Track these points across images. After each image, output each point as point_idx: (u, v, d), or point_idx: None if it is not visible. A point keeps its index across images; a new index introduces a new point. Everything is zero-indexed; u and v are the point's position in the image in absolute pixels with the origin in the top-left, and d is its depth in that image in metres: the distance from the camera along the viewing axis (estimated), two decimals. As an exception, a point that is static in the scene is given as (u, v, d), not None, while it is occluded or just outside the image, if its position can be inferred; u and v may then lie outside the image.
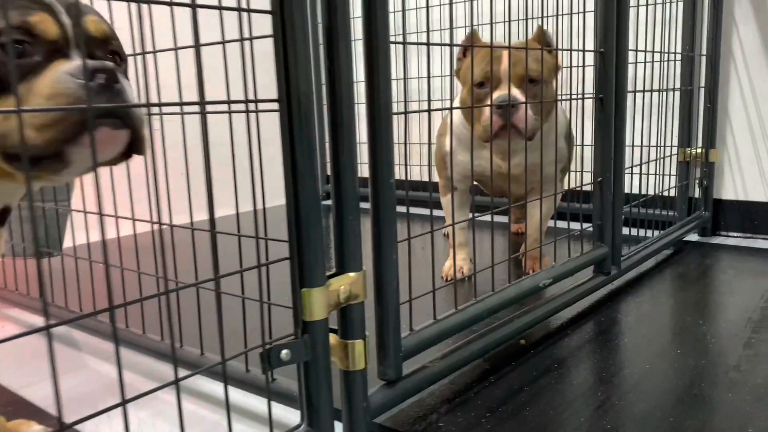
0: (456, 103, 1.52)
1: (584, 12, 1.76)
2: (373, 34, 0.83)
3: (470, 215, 1.19)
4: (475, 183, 1.70)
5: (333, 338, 0.84)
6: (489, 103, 1.31)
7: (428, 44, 0.94)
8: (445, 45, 1.02)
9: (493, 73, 1.34)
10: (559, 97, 1.45)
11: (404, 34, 1.01)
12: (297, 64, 0.72)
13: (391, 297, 0.90)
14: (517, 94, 1.31)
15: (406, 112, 0.91)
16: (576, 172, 2.07)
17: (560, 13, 1.98)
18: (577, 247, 1.40)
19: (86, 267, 1.30)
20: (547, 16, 1.82)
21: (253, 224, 0.82)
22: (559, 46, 1.62)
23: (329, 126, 0.80)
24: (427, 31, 0.98)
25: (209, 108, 0.63)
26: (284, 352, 0.76)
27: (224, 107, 0.72)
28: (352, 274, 0.82)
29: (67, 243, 1.51)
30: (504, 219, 2.12)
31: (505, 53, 1.33)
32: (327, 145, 0.83)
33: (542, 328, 1.28)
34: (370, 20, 0.83)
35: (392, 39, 0.85)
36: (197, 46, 0.62)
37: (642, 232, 1.76)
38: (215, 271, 0.68)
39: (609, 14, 1.35)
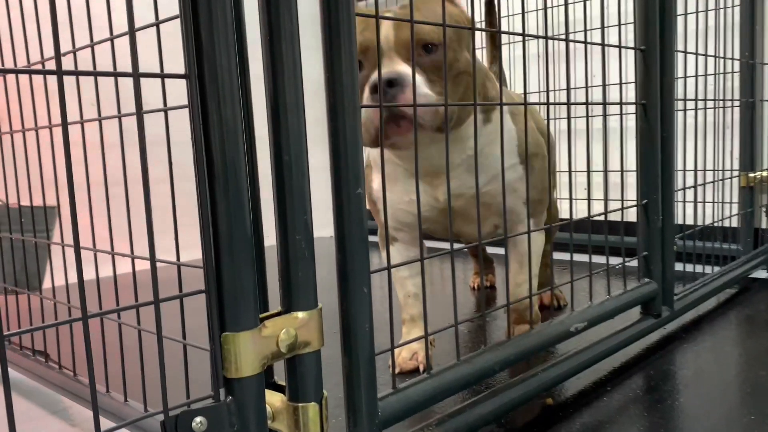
0: None
1: (619, 25, 1.55)
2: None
3: (420, 277, 0.99)
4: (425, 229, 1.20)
5: (279, 399, 0.63)
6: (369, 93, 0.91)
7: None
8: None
9: (369, 45, 0.92)
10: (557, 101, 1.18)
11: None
12: (212, 36, 0.54)
13: (361, 343, 0.68)
14: (402, 68, 0.89)
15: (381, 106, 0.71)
16: (615, 200, 1.82)
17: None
18: (618, 284, 1.16)
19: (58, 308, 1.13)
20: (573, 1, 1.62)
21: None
22: (591, 40, 1.33)
23: (268, 111, 0.61)
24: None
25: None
26: (198, 420, 0.55)
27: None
28: (300, 313, 0.61)
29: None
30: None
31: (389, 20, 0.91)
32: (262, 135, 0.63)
33: (574, 385, 1.04)
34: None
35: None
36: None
37: (699, 268, 1.50)
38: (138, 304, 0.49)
39: (650, 5, 1.14)
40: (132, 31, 0.50)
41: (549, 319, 1.00)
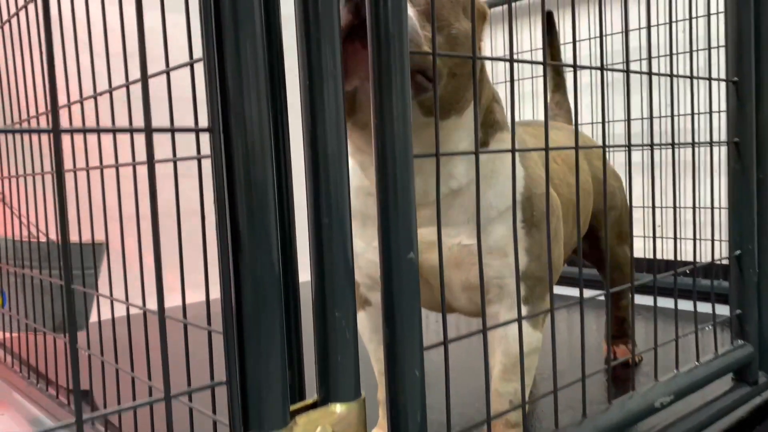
0: None
1: (710, 48, 1.41)
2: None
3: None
4: None
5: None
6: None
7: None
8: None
9: None
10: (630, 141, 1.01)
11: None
12: (241, 83, 0.46)
13: (413, 436, 0.58)
14: None
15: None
16: (702, 240, 1.66)
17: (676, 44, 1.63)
18: (705, 346, 1.02)
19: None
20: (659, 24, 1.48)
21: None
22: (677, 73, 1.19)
23: (306, 159, 0.52)
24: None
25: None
26: None
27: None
28: (339, 406, 0.52)
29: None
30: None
31: None
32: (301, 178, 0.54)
33: (660, 466, 0.90)
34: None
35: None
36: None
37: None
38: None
39: (744, 31, 1.01)
40: (144, 79, 0.43)
41: (629, 392, 0.87)
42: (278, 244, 0.48)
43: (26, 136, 1.28)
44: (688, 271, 0.97)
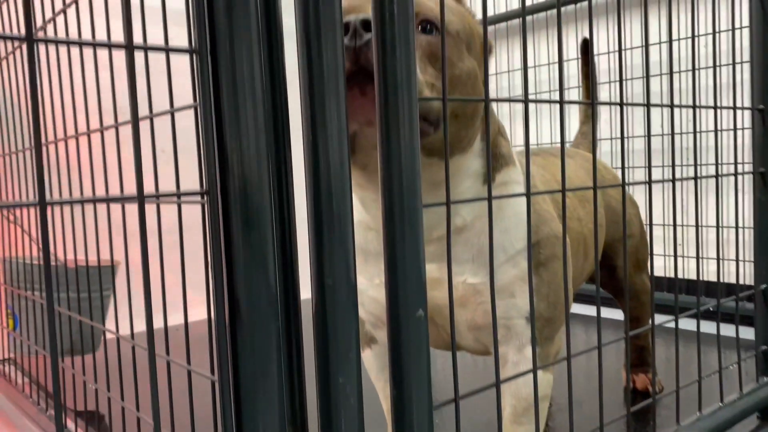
0: None
1: (734, 63, 1.37)
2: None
3: None
4: None
5: None
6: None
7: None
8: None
9: (356, 9, 0.65)
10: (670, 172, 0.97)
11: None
12: (240, 145, 0.43)
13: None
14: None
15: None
16: (726, 260, 1.61)
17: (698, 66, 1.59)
18: (730, 386, 0.98)
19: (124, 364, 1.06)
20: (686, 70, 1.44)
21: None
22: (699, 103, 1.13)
23: (309, 213, 0.49)
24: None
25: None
26: None
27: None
28: (342, 476, 0.49)
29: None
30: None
31: None
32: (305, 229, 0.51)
33: None
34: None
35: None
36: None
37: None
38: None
39: (771, 58, 0.97)
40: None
41: (649, 436, 0.83)
42: (281, 314, 0.45)
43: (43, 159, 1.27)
44: (711, 308, 0.93)
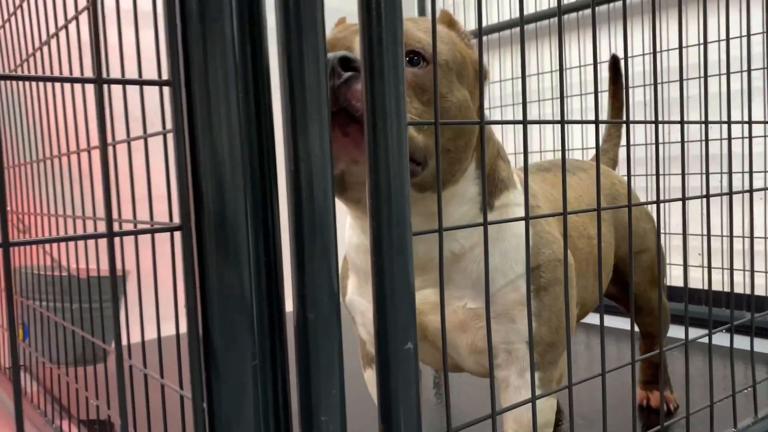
0: None
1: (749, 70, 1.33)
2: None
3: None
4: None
5: None
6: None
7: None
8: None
9: (335, 44, 0.66)
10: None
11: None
12: (219, 183, 0.42)
13: None
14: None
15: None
16: (757, 272, 1.56)
17: (704, 75, 1.54)
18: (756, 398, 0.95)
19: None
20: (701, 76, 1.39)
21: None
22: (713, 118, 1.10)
23: (290, 225, 0.48)
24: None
25: None
26: None
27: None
28: None
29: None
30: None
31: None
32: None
33: None
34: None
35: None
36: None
37: None
38: None
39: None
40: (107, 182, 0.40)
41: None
42: (257, 352, 0.44)
43: (49, 170, 1.28)
44: (722, 330, 0.90)
